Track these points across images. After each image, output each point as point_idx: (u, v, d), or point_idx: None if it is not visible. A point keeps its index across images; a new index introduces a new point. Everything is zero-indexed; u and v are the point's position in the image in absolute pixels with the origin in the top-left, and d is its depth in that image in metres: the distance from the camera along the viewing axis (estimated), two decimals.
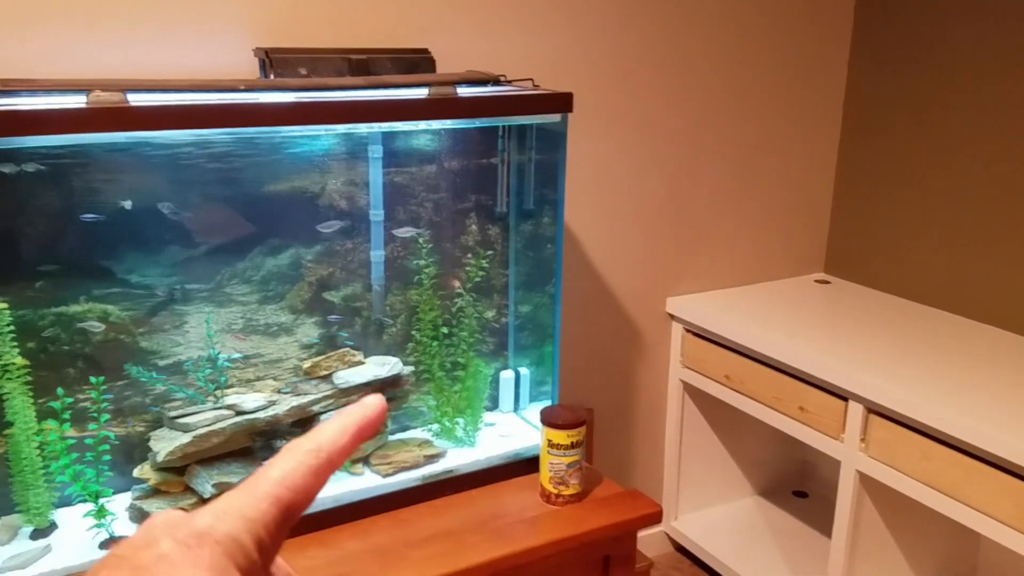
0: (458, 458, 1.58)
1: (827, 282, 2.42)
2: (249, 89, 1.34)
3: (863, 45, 2.30)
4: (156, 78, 1.48)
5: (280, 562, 0.34)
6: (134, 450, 1.42)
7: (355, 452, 1.52)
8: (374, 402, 0.36)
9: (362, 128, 1.45)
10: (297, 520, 0.32)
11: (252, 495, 0.31)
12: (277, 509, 0.31)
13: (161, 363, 1.42)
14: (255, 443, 1.48)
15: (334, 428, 0.34)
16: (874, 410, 1.75)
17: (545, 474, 1.51)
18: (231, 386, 1.47)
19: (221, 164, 1.40)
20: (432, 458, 1.57)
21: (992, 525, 1.54)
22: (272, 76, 1.48)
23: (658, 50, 2.06)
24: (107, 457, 1.38)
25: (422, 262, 1.58)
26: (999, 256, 2.02)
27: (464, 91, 1.41)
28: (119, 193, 1.33)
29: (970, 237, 2.08)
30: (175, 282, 1.40)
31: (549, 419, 1.50)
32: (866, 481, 1.81)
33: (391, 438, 1.60)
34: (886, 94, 2.25)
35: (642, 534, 2.35)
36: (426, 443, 1.60)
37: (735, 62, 2.18)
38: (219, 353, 1.45)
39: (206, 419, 1.41)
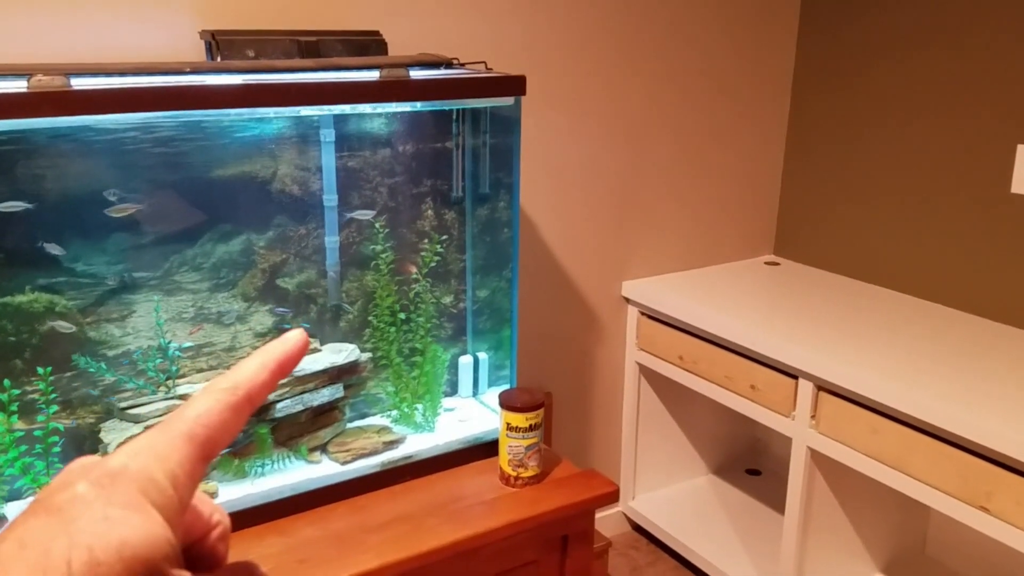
0: (417, 444, 1.58)
1: (776, 264, 2.46)
2: (195, 72, 1.32)
3: (810, 28, 2.33)
4: (99, 62, 1.44)
5: (203, 497, 0.34)
6: (84, 442, 1.39)
7: (312, 441, 1.51)
8: (294, 336, 0.35)
9: (313, 111, 1.44)
10: (215, 456, 0.32)
11: (166, 434, 0.31)
12: (192, 446, 0.31)
13: (110, 353, 1.39)
14: None
15: (253, 365, 0.34)
16: (823, 387, 1.79)
17: (504, 457, 1.52)
18: (183, 376, 1.45)
19: (167, 149, 1.37)
20: (391, 444, 1.56)
21: (939, 497, 1.59)
22: (219, 59, 1.45)
23: (610, 35, 2.07)
24: (57, 449, 1.35)
25: (378, 247, 1.57)
26: (942, 236, 2.07)
27: (416, 74, 1.40)
28: (62, 180, 1.30)
29: (915, 218, 2.13)
30: (122, 270, 1.37)
31: (507, 402, 1.50)
32: (817, 457, 1.85)
33: (349, 425, 1.59)
34: (834, 78, 2.29)
35: (600, 515, 2.38)
36: (385, 429, 1.59)
37: (684, 47, 2.19)
38: (170, 342, 1.43)
39: (157, 410, 1.38)
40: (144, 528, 0.28)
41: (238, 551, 1.34)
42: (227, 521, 0.35)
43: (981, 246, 1.99)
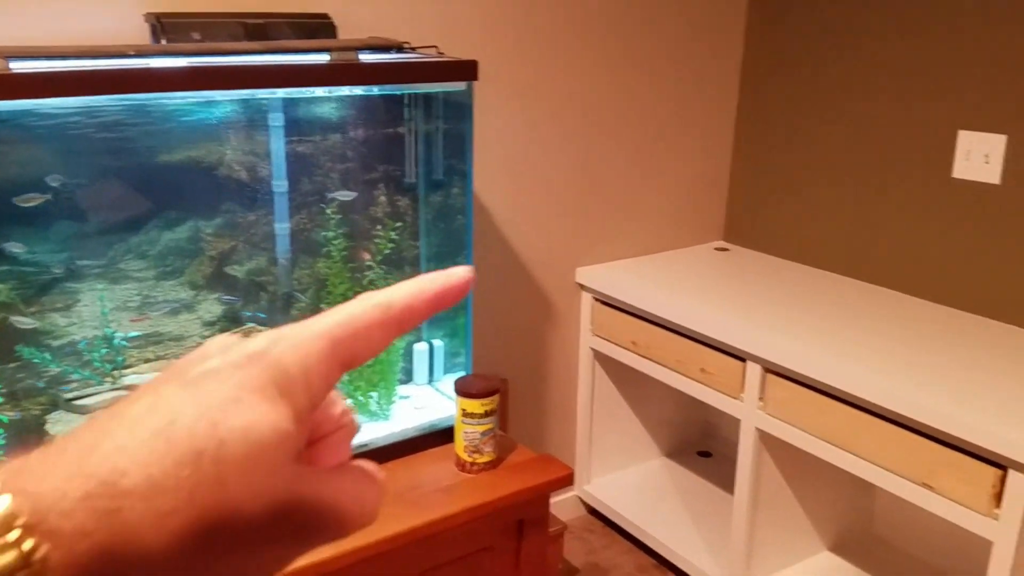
0: (373, 432, 1.57)
1: (726, 249, 2.49)
2: (139, 55, 1.29)
3: (759, 18, 2.36)
4: (40, 45, 1.40)
5: (334, 396, 0.33)
6: (30, 434, 1.36)
7: None
8: (460, 272, 0.34)
9: (261, 94, 1.41)
10: (353, 367, 0.31)
11: (310, 330, 0.30)
12: (333, 349, 0.30)
13: (55, 343, 1.35)
14: None
15: (410, 289, 0.33)
16: (771, 369, 1.82)
17: (460, 443, 1.52)
18: (130, 366, 1.42)
19: (112, 134, 1.34)
20: None
21: (885, 475, 1.63)
22: (164, 42, 1.42)
23: (563, 22, 2.07)
24: (1, 442, 1.32)
25: (330, 234, 1.55)
26: (887, 221, 2.12)
27: (366, 57, 1.39)
28: (3, 166, 1.26)
29: (860, 204, 2.18)
30: (66, 259, 1.34)
31: (463, 389, 1.50)
32: (765, 438, 1.88)
33: None
34: (781, 66, 2.32)
35: (556, 499, 2.39)
36: None
37: (636, 34, 2.20)
38: (115, 332, 1.40)
39: (104, 401, 1.35)
40: (271, 418, 0.28)
41: None
42: (356, 424, 0.34)
43: (924, 230, 2.05)
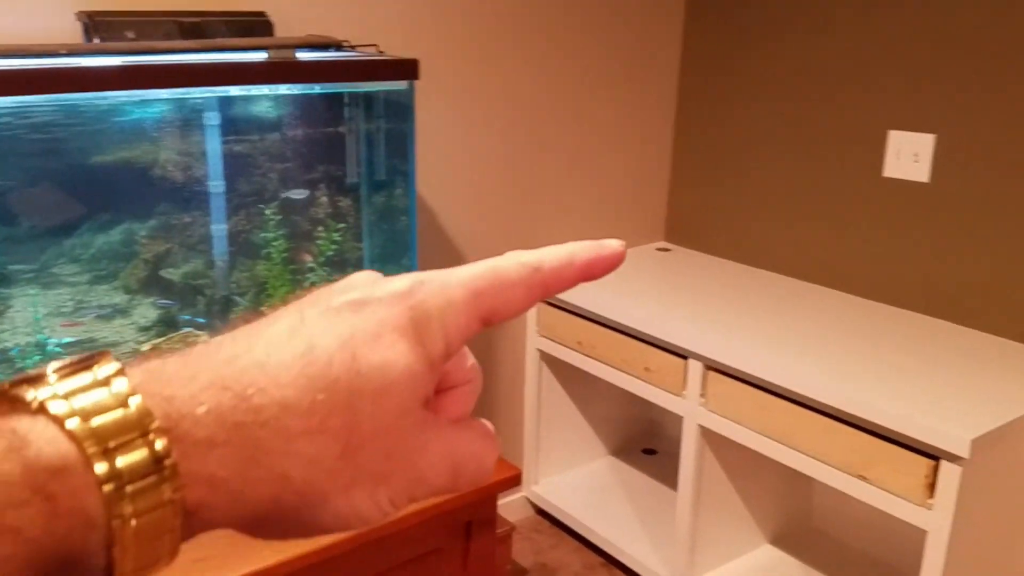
0: None
1: (667, 250, 2.52)
2: (71, 54, 1.25)
3: (696, 20, 2.40)
4: None
5: (466, 351, 0.33)
6: None
7: None
8: (614, 244, 0.33)
9: (197, 94, 1.39)
10: (492, 324, 0.31)
11: (455, 277, 0.30)
12: (474, 300, 0.30)
13: None
14: None
15: (561, 253, 0.32)
16: (712, 367, 1.85)
17: None
18: None
19: (43, 135, 1.30)
20: None
21: (823, 468, 1.67)
22: (96, 41, 1.38)
23: (503, 22, 2.08)
24: None
25: (269, 235, 1.53)
26: (821, 220, 2.17)
27: (304, 55, 1.37)
28: None
29: (796, 204, 2.23)
30: None
31: None
32: (707, 434, 1.91)
33: None
34: (719, 68, 2.36)
35: (504, 501, 2.39)
36: None
37: (574, 33, 2.22)
38: (48, 338, 1.36)
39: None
40: (407, 359, 0.28)
41: None
42: (480, 379, 0.34)
43: (858, 228, 2.10)
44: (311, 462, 0.26)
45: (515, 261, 0.31)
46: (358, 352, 0.27)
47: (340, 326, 0.28)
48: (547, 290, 0.31)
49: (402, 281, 0.30)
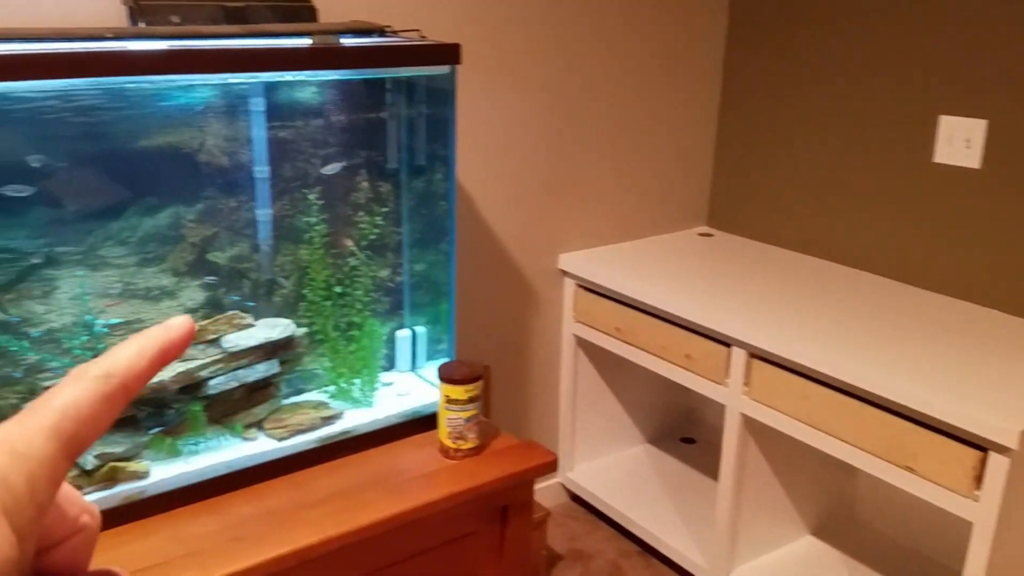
0: (355, 419, 1.57)
1: (710, 235, 2.49)
2: (117, 37, 1.27)
3: (742, 1, 2.36)
4: (16, 27, 1.37)
5: (71, 495, 0.30)
6: None
7: (248, 418, 1.48)
8: (179, 323, 0.31)
9: (242, 79, 1.39)
10: (82, 453, 0.28)
11: (27, 428, 0.27)
12: (56, 442, 0.27)
13: (33, 332, 1.34)
14: (140, 412, 1.42)
15: (130, 352, 0.30)
16: (756, 355, 1.83)
17: (443, 429, 1.51)
18: None
19: (88, 118, 1.32)
20: (329, 420, 1.54)
21: (868, 459, 1.64)
22: (141, 25, 1.40)
23: (545, 6, 2.06)
24: None
25: (312, 219, 1.54)
26: (869, 206, 2.13)
27: (348, 41, 1.37)
28: None
29: (843, 189, 2.19)
30: (44, 245, 1.32)
31: (446, 374, 1.49)
32: (749, 423, 1.89)
33: (285, 402, 1.57)
34: (765, 49, 2.32)
35: (539, 486, 2.39)
36: (322, 405, 1.57)
37: (618, 18, 2.20)
38: (95, 319, 1.38)
39: None
40: None
41: (173, 530, 1.31)
42: (96, 523, 0.30)
43: (907, 215, 2.06)
44: None
45: (84, 381, 0.28)
46: None
47: None
48: (128, 393, 0.29)
49: None
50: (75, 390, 0.28)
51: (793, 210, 2.31)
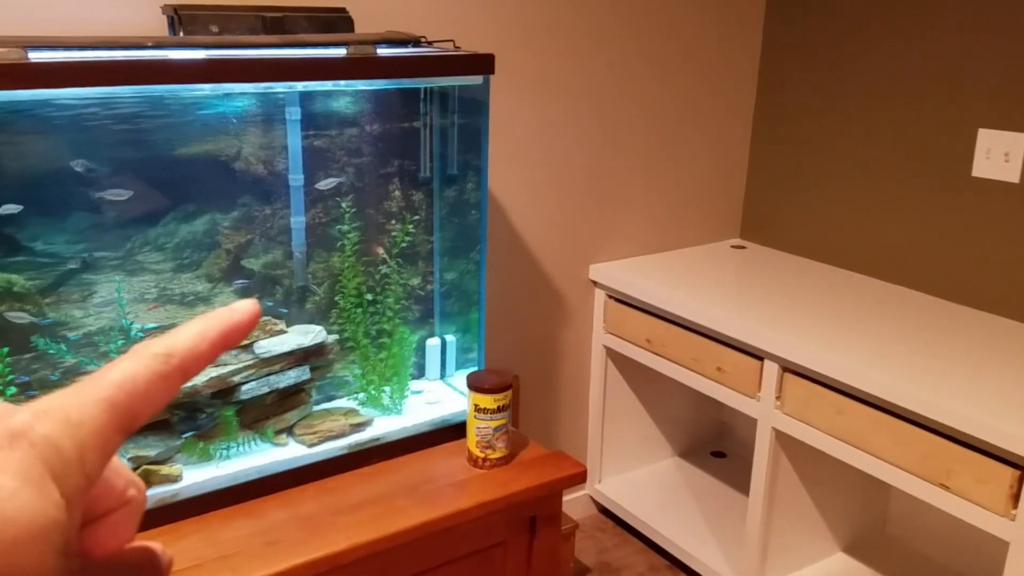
0: (385, 426, 1.57)
1: (743, 247, 2.48)
2: (157, 46, 1.29)
3: (778, 13, 2.34)
4: (58, 35, 1.40)
5: (119, 467, 0.30)
6: None
7: (279, 423, 1.50)
8: (245, 306, 0.31)
9: (279, 88, 1.41)
10: (135, 429, 0.28)
11: (83, 396, 0.27)
12: (110, 415, 0.27)
13: (71, 335, 1.36)
14: (173, 416, 1.44)
15: (192, 334, 0.30)
16: (789, 368, 1.81)
17: (472, 438, 1.51)
18: None
19: (129, 126, 1.34)
20: (358, 427, 1.55)
21: (901, 476, 1.61)
22: (182, 34, 1.42)
23: (580, 17, 2.06)
24: None
25: (345, 227, 1.55)
26: (906, 220, 2.10)
27: (384, 51, 1.39)
28: (21, 157, 1.27)
29: (879, 202, 2.16)
30: (83, 250, 1.34)
31: (476, 383, 1.49)
32: (782, 437, 1.87)
33: (316, 408, 1.58)
34: (800, 63, 2.30)
35: (567, 498, 2.38)
36: (352, 412, 1.58)
37: (652, 29, 2.20)
38: (132, 323, 1.40)
39: None
40: (35, 507, 0.24)
41: (207, 533, 1.33)
42: (142, 498, 0.30)
43: (944, 229, 2.03)
44: None
45: (144, 356, 0.28)
46: None
47: None
48: (186, 374, 0.29)
49: (21, 415, 0.25)
50: (134, 365, 0.28)
51: (827, 223, 2.29)
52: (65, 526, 0.25)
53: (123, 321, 1.39)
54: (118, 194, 1.33)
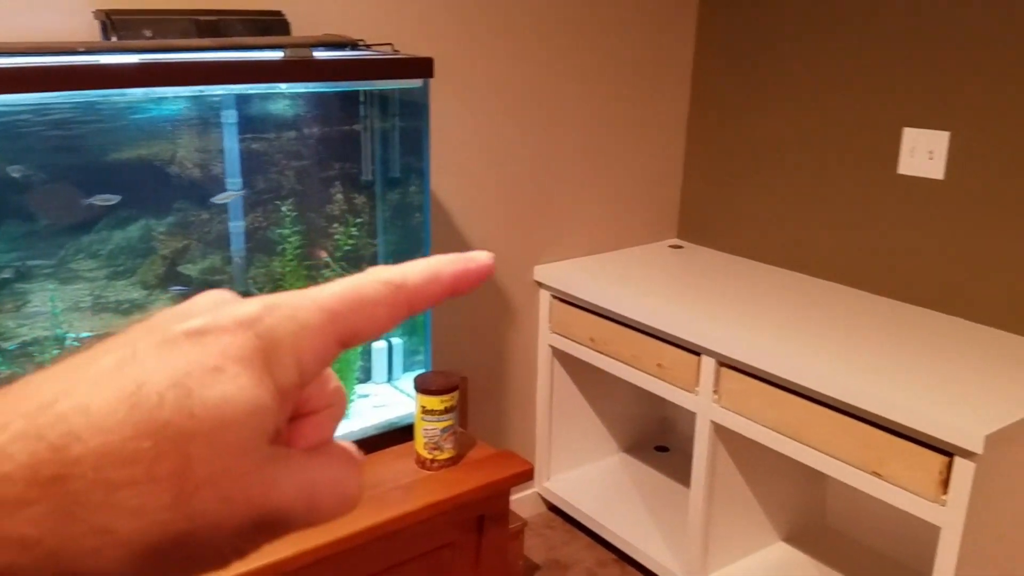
0: None
1: (680, 247, 2.52)
2: (89, 51, 1.27)
3: (710, 13, 2.40)
4: None
5: (328, 372, 0.31)
6: None
7: None
8: (482, 256, 0.31)
9: (215, 91, 1.40)
10: (352, 346, 0.28)
11: (309, 299, 0.27)
12: (331, 323, 0.27)
13: (5, 345, 1.33)
14: None
15: (426, 271, 0.30)
16: (725, 363, 1.85)
17: (420, 440, 1.52)
18: None
19: (62, 132, 1.31)
20: None
21: (836, 465, 1.67)
22: (114, 39, 1.40)
23: (517, 21, 2.08)
24: None
25: (285, 231, 1.55)
26: (835, 217, 2.17)
27: (321, 54, 1.38)
28: None
29: (809, 201, 2.22)
30: (15, 259, 1.31)
31: (422, 385, 1.50)
32: (720, 430, 1.91)
33: None
34: (732, 66, 2.36)
35: (516, 496, 2.40)
36: None
37: (590, 32, 2.22)
38: (67, 333, 1.38)
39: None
40: (252, 394, 0.25)
41: None
42: (344, 402, 0.31)
43: (871, 225, 2.09)
44: (135, 514, 0.23)
45: (376, 279, 0.29)
46: (193, 389, 0.24)
47: (175, 360, 0.25)
48: (412, 308, 0.29)
49: (250, 305, 0.27)
50: (363, 282, 0.29)
51: (760, 222, 2.35)
52: (276, 415, 0.26)
53: (57, 331, 1.36)
54: (107, 199, 1.30)
